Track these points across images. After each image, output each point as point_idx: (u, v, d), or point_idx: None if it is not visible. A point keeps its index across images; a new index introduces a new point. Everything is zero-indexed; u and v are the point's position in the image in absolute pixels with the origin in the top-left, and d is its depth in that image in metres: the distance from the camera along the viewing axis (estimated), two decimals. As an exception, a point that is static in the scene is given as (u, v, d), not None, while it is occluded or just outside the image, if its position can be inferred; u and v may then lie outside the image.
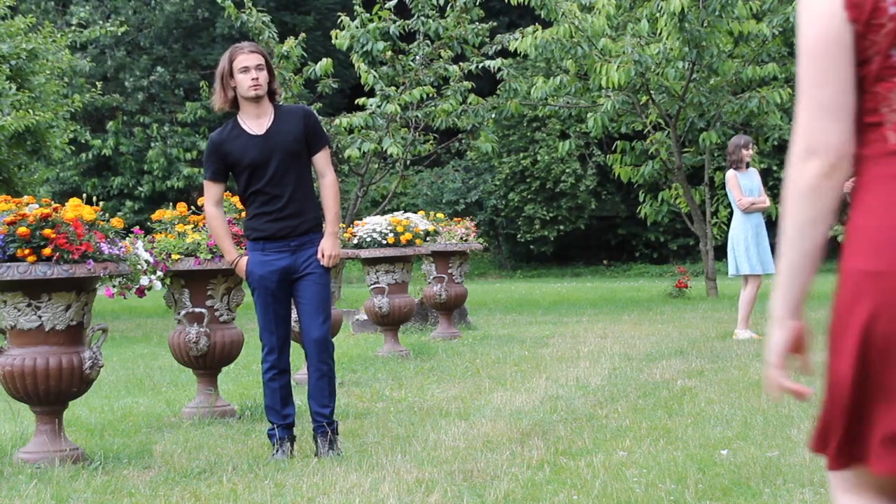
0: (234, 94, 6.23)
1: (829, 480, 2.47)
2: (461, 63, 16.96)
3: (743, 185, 11.70)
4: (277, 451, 6.28)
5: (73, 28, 20.83)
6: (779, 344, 2.34)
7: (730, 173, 11.79)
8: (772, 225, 28.71)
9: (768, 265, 11.74)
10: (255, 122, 6.26)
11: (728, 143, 12.04)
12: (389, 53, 16.64)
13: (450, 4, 16.85)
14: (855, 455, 2.29)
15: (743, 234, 11.69)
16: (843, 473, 2.40)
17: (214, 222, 6.38)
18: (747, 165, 11.84)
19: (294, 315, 6.51)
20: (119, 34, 21.28)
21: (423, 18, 16.79)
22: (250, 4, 16.82)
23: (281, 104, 6.38)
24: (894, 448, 2.21)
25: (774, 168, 29.36)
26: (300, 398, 6.98)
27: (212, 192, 6.36)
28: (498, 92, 18.08)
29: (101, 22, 24.36)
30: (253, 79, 6.18)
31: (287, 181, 6.21)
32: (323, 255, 6.25)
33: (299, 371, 8.88)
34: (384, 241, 11.33)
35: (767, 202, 12.02)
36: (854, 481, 2.41)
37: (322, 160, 6.37)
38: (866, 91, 2.24)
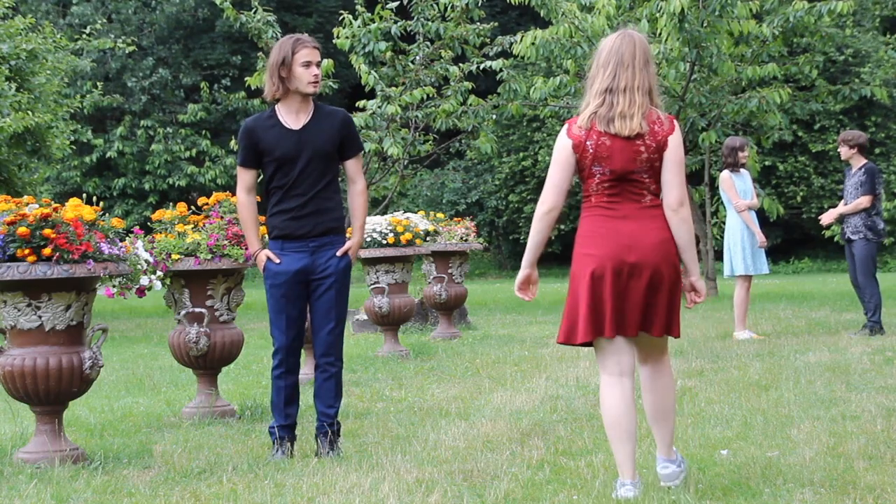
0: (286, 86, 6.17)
1: (599, 365, 5.09)
2: (461, 64, 16.95)
3: (737, 187, 11.70)
4: (277, 450, 6.28)
5: (82, 37, 20.82)
6: (521, 278, 5.13)
7: (725, 174, 11.78)
8: (773, 224, 28.35)
9: (761, 266, 11.74)
10: (294, 116, 6.20)
11: (724, 144, 12.01)
12: (389, 54, 16.63)
13: (450, 5, 16.82)
14: (591, 332, 4.97)
15: (739, 235, 11.69)
16: (597, 357, 5.04)
17: (243, 210, 6.33)
18: (742, 167, 11.83)
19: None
20: (126, 49, 21.23)
21: (423, 20, 16.77)
22: (256, 3, 16.80)
23: (321, 103, 6.33)
24: (566, 328, 5.06)
25: (778, 165, 29.37)
26: (306, 397, 6.97)
27: (243, 178, 6.29)
28: (499, 91, 18.08)
29: (102, 20, 24.31)
30: (315, 74, 6.15)
31: (313, 180, 6.17)
32: (349, 251, 6.25)
33: (303, 370, 8.87)
34: (384, 241, 11.33)
35: (757, 202, 12.03)
36: (601, 360, 5.04)
37: (354, 166, 6.33)
38: (585, 182, 5.00)
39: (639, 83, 4.94)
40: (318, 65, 6.20)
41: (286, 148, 6.16)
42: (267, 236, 6.42)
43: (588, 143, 4.94)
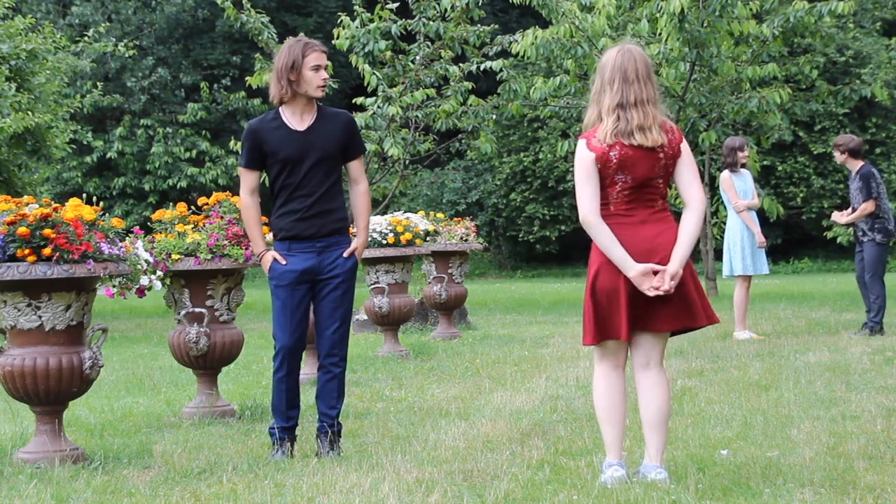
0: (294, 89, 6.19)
1: (594, 358, 5.41)
2: (461, 64, 16.93)
3: (737, 187, 11.70)
4: (277, 450, 6.28)
5: (84, 39, 20.83)
6: (637, 281, 5.17)
7: (725, 174, 11.79)
8: (773, 224, 28.27)
9: (762, 266, 11.74)
10: (298, 118, 6.22)
11: (724, 145, 12.02)
12: (389, 54, 16.61)
13: (451, 6, 16.80)
14: (597, 337, 5.26)
15: (739, 236, 11.69)
16: (597, 352, 5.35)
17: (247, 211, 6.32)
18: (742, 167, 11.84)
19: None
20: (127, 53, 21.21)
21: (424, 20, 16.75)
22: (248, 5, 16.79)
23: (322, 105, 6.34)
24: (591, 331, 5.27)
25: (778, 165, 29.36)
26: (306, 397, 6.97)
27: (247, 180, 6.29)
28: (499, 91, 18.07)
29: (105, 24, 24.31)
30: (323, 78, 6.18)
31: (318, 181, 6.18)
32: (354, 252, 6.26)
33: (304, 370, 8.87)
34: (384, 241, 11.33)
35: (758, 202, 12.03)
36: (599, 355, 5.35)
37: (357, 167, 6.36)
38: (605, 190, 5.26)
39: (647, 96, 5.26)
40: (326, 68, 6.23)
41: (292, 149, 6.17)
42: (272, 237, 6.41)
43: (612, 154, 5.24)
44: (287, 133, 6.19)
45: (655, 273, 5.18)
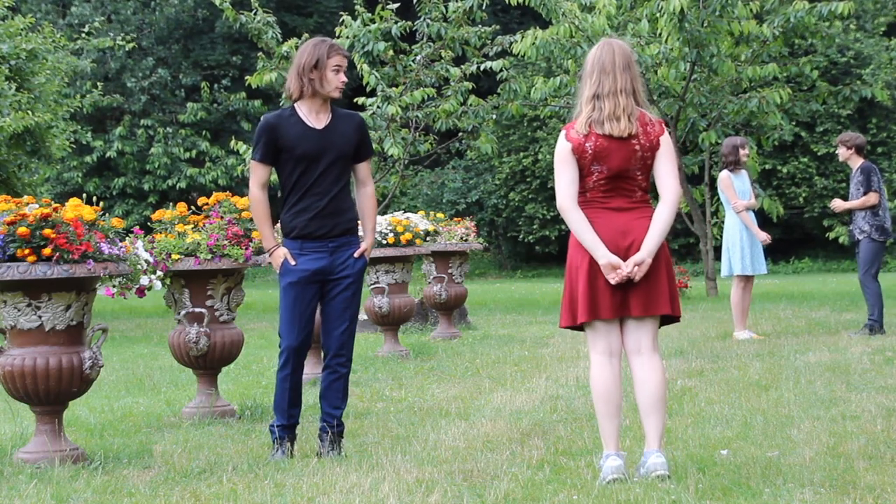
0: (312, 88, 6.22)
1: (588, 347, 5.51)
2: (462, 66, 16.94)
3: (735, 187, 11.69)
4: (277, 450, 6.28)
5: (82, 36, 20.83)
6: (605, 269, 5.34)
7: (724, 174, 11.77)
8: (773, 224, 28.37)
9: (760, 266, 11.74)
10: (315, 116, 6.23)
11: (724, 144, 12.02)
12: (391, 53, 16.63)
13: (456, 10, 16.80)
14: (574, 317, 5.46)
15: (738, 235, 11.69)
16: (588, 338, 5.46)
17: (258, 206, 6.30)
18: (742, 166, 11.83)
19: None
20: (126, 47, 21.20)
21: (428, 21, 16.76)
22: (257, 4, 16.81)
23: (335, 106, 6.36)
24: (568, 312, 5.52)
25: (780, 167, 29.37)
26: (306, 397, 6.97)
27: (258, 174, 6.27)
28: (499, 91, 18.08)
29: (100, 19, 24.30)
30: (342, 80, 6.23)
31: (332, 181, 6.20)
32: (364, 253, 6.30)
33: (306, 370, 8.86)
34: (384, 241, 11.33)
35: (756, 203, 12.02)
36: (591, 340, 5.46)
37: (365, 169, 6.39)
38: (584, 180, 5.39)
39: (621, 86, 5.41)
40: (345, 71, 6.27)
41: (309, 146, 6.17)
42: (282, 235, 6.40)
43: (587, 144, 5.38)
44: (305, 130, 6.20)
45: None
